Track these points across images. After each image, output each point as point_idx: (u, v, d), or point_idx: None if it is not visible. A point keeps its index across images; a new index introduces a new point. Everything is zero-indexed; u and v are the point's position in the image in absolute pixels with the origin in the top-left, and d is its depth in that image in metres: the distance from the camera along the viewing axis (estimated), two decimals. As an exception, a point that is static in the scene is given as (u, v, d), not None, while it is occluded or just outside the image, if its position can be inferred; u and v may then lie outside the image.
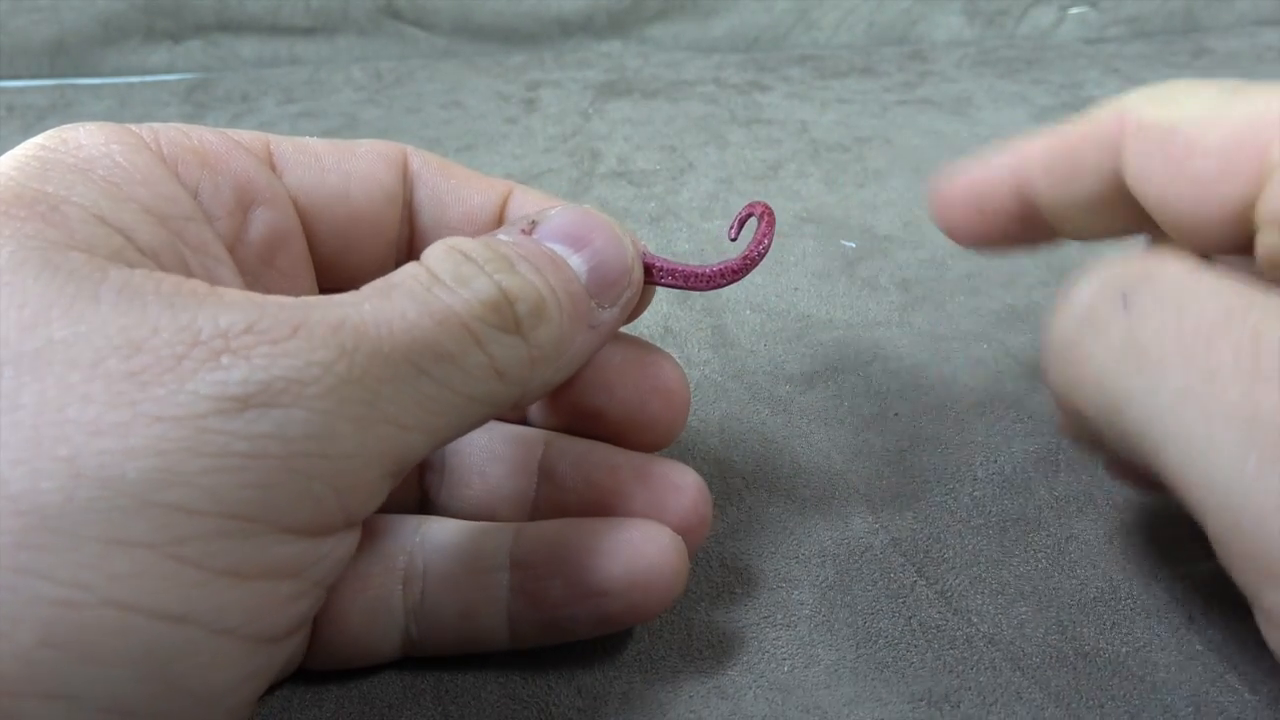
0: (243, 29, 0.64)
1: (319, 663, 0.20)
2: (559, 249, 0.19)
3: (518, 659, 0.21)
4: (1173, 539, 0.24)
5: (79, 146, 0.17)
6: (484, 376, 0.17)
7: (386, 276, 0.17)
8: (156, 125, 0.19)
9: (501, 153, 0.49)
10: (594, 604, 0.19)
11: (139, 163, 0.18)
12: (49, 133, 0.18)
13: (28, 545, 0.13)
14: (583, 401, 0.22)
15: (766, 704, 0.20)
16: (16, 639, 0.12)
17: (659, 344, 0.32)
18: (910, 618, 0.22)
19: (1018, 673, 0.21)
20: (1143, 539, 0.24)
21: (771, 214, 0.22)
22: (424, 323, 0.16)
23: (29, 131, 0.55)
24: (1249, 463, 0.15)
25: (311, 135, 0.22)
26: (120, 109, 0.57)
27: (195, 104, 0.57)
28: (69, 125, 0.18)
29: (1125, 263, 0.19)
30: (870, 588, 0.23)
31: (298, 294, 0.16)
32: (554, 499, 0.22)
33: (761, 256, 0.21)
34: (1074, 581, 0.23)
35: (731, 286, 0.22)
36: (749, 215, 0.22)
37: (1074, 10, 0.69)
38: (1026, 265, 0.37)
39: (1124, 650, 0.21)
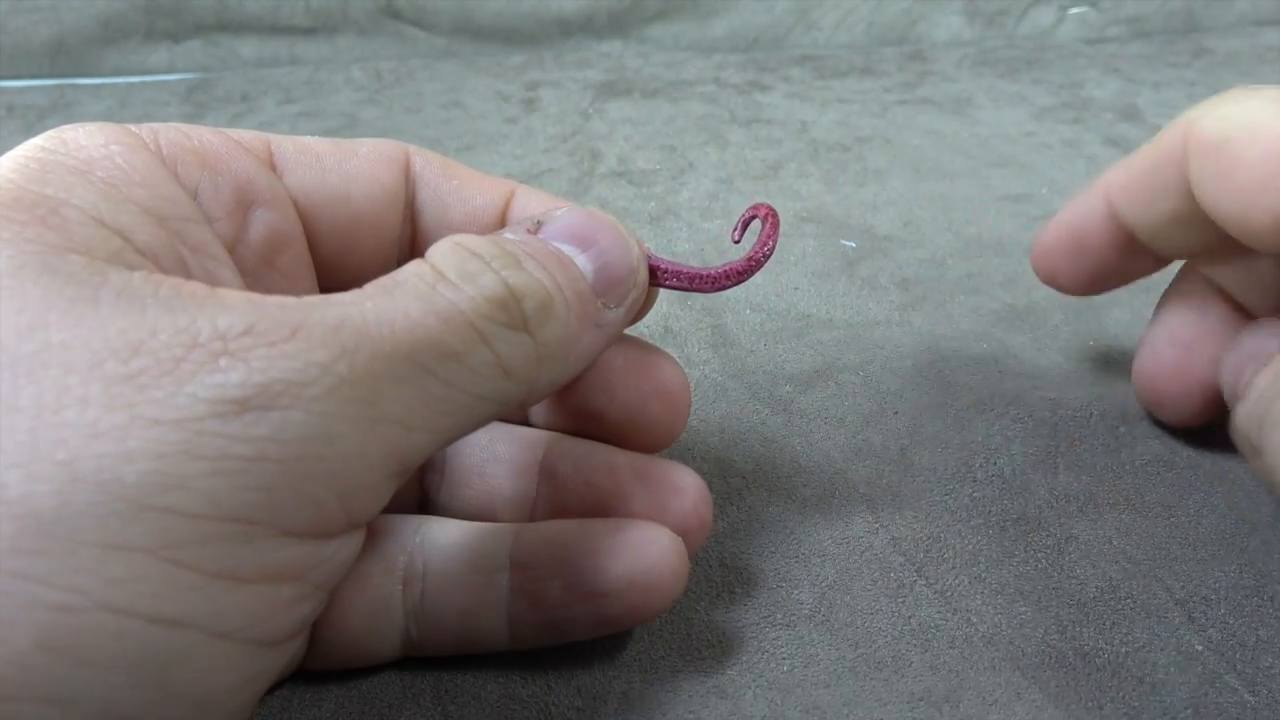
0: (242, 29, 0.64)
1: (319, 663, 0.20)
2: (565, 248, 0.19)
3: (517, 659, 0.21)
4: (1172, 539, 0.24)
5: (79, 148, 0.17)
6: (490, 375, 0.17)
7: (391, 274, 0.17)
8: (156, 125, 0.19)
9: (501, 153, 0.49)
10: (594, 605, 0.19)
11: (138, 164, 0.18)
12: (48, 134, 0.18)
13: (24, 549, 0.12)
14: (584, 403, 0.22)
15: (766, 703, 0.20)
16: (13, 643, 0.12)
17: (659, 344, 0.32)
18: (910, 617, 0.22)
19: (1017, 673, 0.21)
20: (1142, 539, 0.24)
21: (775, 216, 0.22)
22: (428, 321, 0.16)
23: (29, 131, 0.55)
24: None
25: (311, 135, 0.22)
26: (120, 109, 0.57)
27: (195, 104, 0.57)
28: (69, 126, 0.18)
29: None
30: (870, 587, 0.23)
31: (299, 294, 0.16)
32: (554, 499, 0.22)
33: (766, 258, 0.21)
34: (1073, 581, 0.23)
35: (736, 287, 0.22)
36: (753, 217, 0.22)
37: (1074, 10, 0.69)
38: (1026, 265, 0.37)
39: (1123, 650, 0.21)
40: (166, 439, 0.13)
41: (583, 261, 0.19)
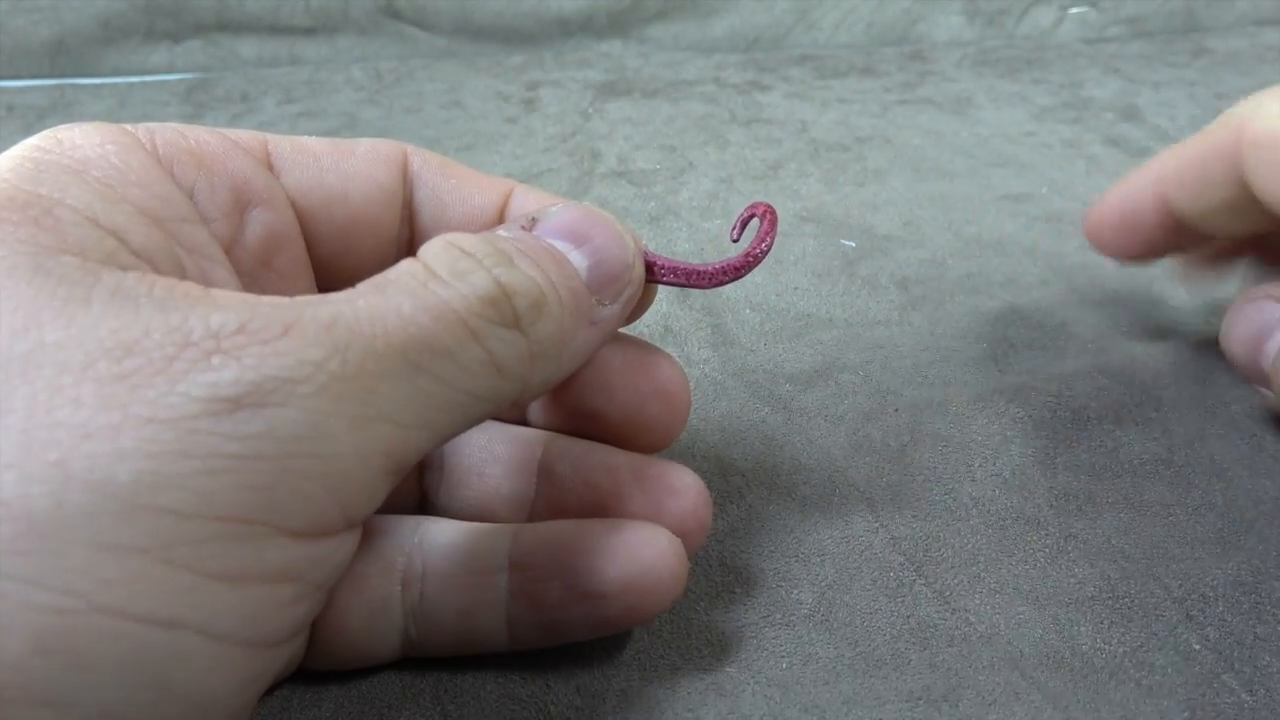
0: (242, 29, 0.64)
1: (317, 663, 0.20)
2: (560, 245, 0.19)
3: (516, 658, 0.21)
4: (1170, 538, 0.24)
5: (74, 147, 0.17)
6: (483, 372, 0.17)
7: (383, 273, 0.17)
8: (153, 125, 0.19)
9: (501, 152, 0.49)
10: (592, 606, 0.19)
11: (134, 163, 0.18)
12: (44, 133, 0.18)
13: (17, 551, 0.12)
14: (582, 403, 0.22)
15: (765, 702, 0.20)
16: (7, 646, 0.12)
17: (659, 343, 0.32)
18: (909, 616, 0.22)
19: (1015, 672, 0.21)
20: (1141, 538, 0.24)
21: (774, 214, 0.22)
22: (420, 318, 0.16)
23: (29, 131, 0.55)
24: None
25: (311, 135, 0.22)
26: (120, 109, 0.57)
27: (195, 104, 0.57)
28: (64, 126, 0.18)
29: None
30: (869, 586, 0.23)
31: (296, 295, 0.16)
32: (553, 500, 0.22)
33: (763, 255, 0.21)
34: (1072, 580, 0.23)
35: (731, 285, 0.22)
36: (751, 216, 0.22)
37: (1074, 10, 0.69)
38: (1026, 265, 0.37)
39: (1121, 650, 0.21)
40: (159, 438, 0.13)
41: (577, 258, 0.19)
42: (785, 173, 0.46)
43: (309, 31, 0.65)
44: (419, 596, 0.20)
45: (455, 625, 0.20)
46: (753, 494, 0.26)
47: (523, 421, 0.23)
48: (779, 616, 0.22)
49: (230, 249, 0.19)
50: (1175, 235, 0.27)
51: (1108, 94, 0.56)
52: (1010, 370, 0.31)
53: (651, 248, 0.21)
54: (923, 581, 0.23)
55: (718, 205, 0.42)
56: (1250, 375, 0.26)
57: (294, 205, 0.21)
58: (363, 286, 0.16)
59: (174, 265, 0.17)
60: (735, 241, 0.23)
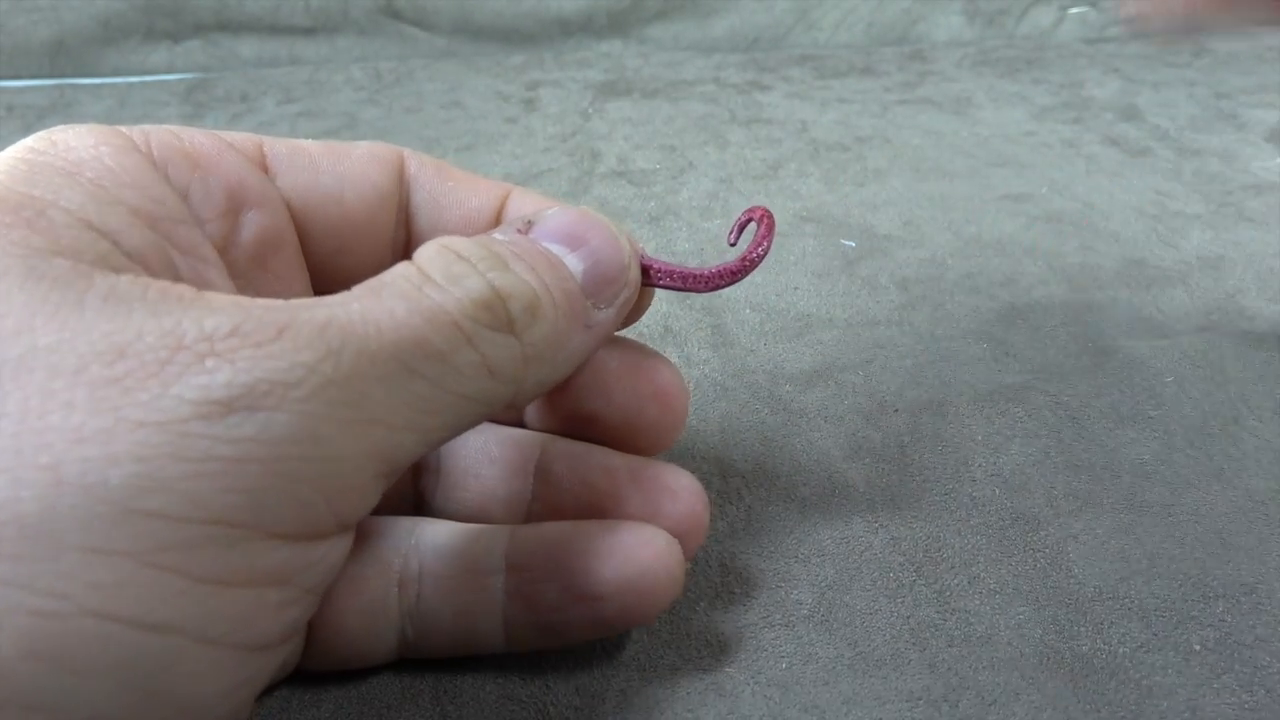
0: (242, 29, 0.64)
1: (314, 664, 0.20)
2: (555, 248, 0.19)
3: (516, 659, 0.21)
4: (1170, 538, 0.24)
5: (68, 149, 0.17)
6: (476, 375, 0.16)
7: (378, 276, 0.17)
8: (148, 127, 0.19)
9: (501, 152, 0.49)
10: (589, 608, 0.19)
11: (128, 165, 0.18)
12: (38, 135, 0.18)
13: (7, 555, 0.12)
14: (579, 405, 0.22)
15: (764, 702, 0.20)
16: None
17: (658, 343, 0.32)
18: (908, 617, 0.22)
19: (1015, 673, 0.21)
20: (1140, 538, 0.24)
21: (771, 218, 0.22)
22: (413, 321, 0.16)
23: (28, 131, 0.55)
24: None
25: (311, 135, 0.22)
26: (120, 109, 0.57)
27: (195, 104, 0.57)
28: (59, 128, 0.18)
29: None
30: (869, 587, 0.23)
31: (291, 297, 0.16)
32: (550, 502, 0.21)
33: (760, 259, 0.21)
34: (1071, 581, 0.23)
35: (731, 287, 0.22)
36: (748, 220, 0.22)
37: (1074, 10, 0.69)
38: (1026, 265, 0.37)
39: (1121, 650, 0.21)
40: (150, 441, 0.13)
41: (572, 261, 0.19)
42: (785, 173, 0.46)
43: (309, 31, 0.65)
44: (416, 598, 0.20)
45: (452, 626, 0.20)
46: (752, 494, 0.26)
47: (520, 424, 0.23)
48: (778, 617, 0.22)
49: (225, 250, 0.19)
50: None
51: (1108, 94, 0.56)
52: (1010, 370, 0.30)
53: (651, 249, 0.21)
54: (922, 582, 0.23)
55: (717, 205, 0.42)
56: None
57: (289, 207, 0.20)
58: (357, 290, 0.16)
59: (168, 267, 0.17)
60: (732, 245, 0.23)
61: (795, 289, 0.35)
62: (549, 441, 0.22)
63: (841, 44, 0.68)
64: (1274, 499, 0.25)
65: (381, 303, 0.16)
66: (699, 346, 0.32)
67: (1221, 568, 0.23)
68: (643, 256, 0.21)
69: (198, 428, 0.13)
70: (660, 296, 0.34)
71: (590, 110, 0.55)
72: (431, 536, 0.21)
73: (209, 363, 0.14)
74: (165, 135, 0.19)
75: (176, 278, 0.17)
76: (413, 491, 0.23)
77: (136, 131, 0.19)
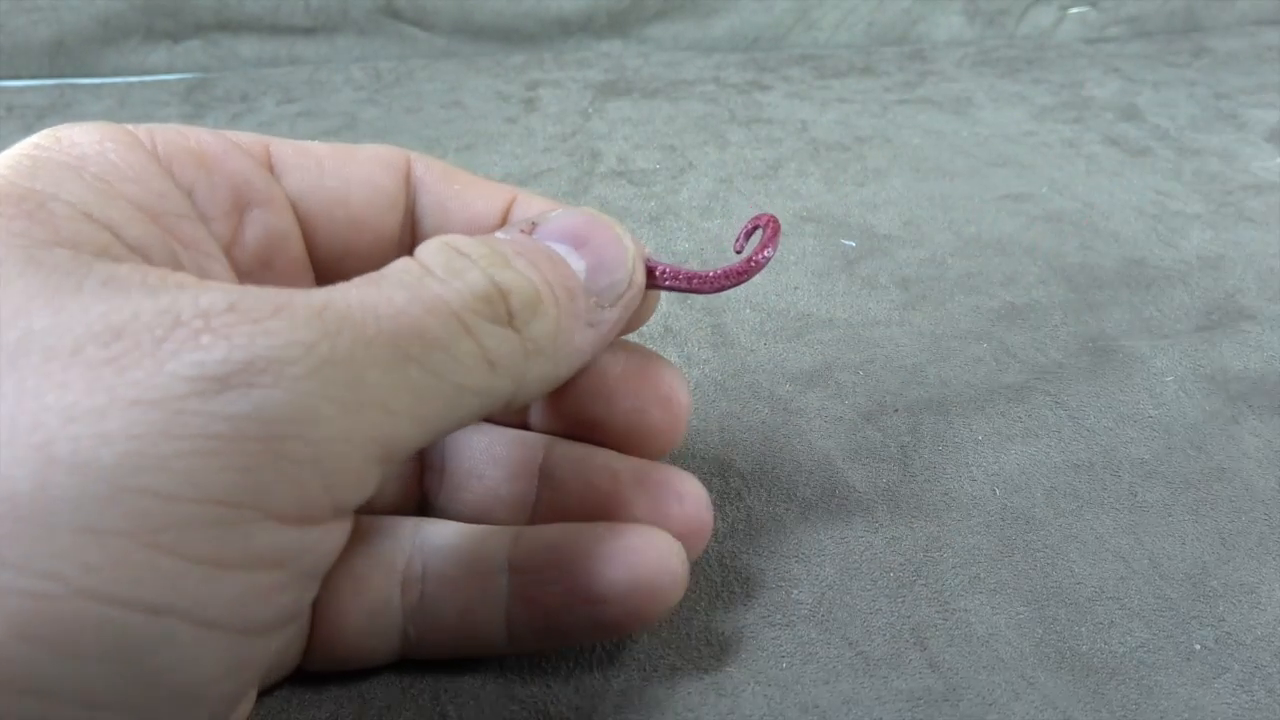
0: (242, 29, 0.64)
1: (316, 664, 0.20)
2: (559, 248, 0.19)
3: (516, 658, 0.21)
4: (1169, 538, 0.24)
5: (73, 144, 0.17)
6: (475, 366, 0.16)
7: (379, 270, 0.17)
8: (153, 126, 0.19)
9: (501, 152, 0.49)
10: (593, 609, 0.19)
11: (132, 160, 0.18)
12: (44, 132, 0.18)
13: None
14: (583, 409, 0.22)
15: (765, 701, 0.20)
16: None
17: (659, 343, 0.32)
18: (908, 616, 0.22)
19: (1015, 672, 0.21)
20: (1141, 538, 0.24)
21: (777, 224, 0.22)
22: (413, 309, 0.16)
23: (28, 131, 0.55)
24: None
25: (311, 135, 0.22)
26: (119, 109, 0.57)
27: (195, 104, 0.57)
28: (65, 125, 0.18)
29: None
30: (869, 586, 0.23)
31: None
32: (554, 503, 0.22)
33: (764, 263, 0.21)
34: (1071, 581, 0.23)
35: (734, 289, 0.22)
36: (755, 227, 0.22)
37: (1074, 10, 0.69)
38: (1026, 265, 0.37)
39: (1120, 650, 0.21)
40: (145, 419, 0.13)
41: (576, 260, 0.19)
42: (785, 172, 0.46)
43: (309, 31, 0.65)
44: (419, 598, 0.20)
45: (455, 627, 0.20)
46: (752, 494, 0.26)
47: (524, 426, 0.23)
48: (779, 617, 0.22)
49: (230, 249, 0.19)
50: None
51: (1108, 94, 0.56)
52: (1010, 370, 0.30)
53: (651, 249, 0.21)
54: (922, 582, 0.23)
55: (717, 205, 0.42)
56: None
57: (294, 207, 0.20)
58: (356, 280, 0.16)
59: (170, 259, 0.17)
60: (739, 252, 0.23)
61: (795, 289, 0.35)
62: (553, 443, 0.22)
63: (841, 44, 0.68)
64: (1275, 499, 0.25)
65: (381, 291, 0.16)
66: (699, 346, 0.32)
67: (1221, 567, 0.23)
68: (647, 258, 0.21)
69: (193, 404, 0.13)
70: (661, 297, 0.34)
71: (590, 110, 0.55)
72: (435, 536, 0.21)
73: (204, 339, 0.14)
74: (171, 133, 0.19)
75: (178, 270, 0.17)
76: (417, 492, 0.23)
77: (142, 129, 0.19)
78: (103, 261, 0.15)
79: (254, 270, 0.20)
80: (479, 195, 0.22)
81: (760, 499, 0.26)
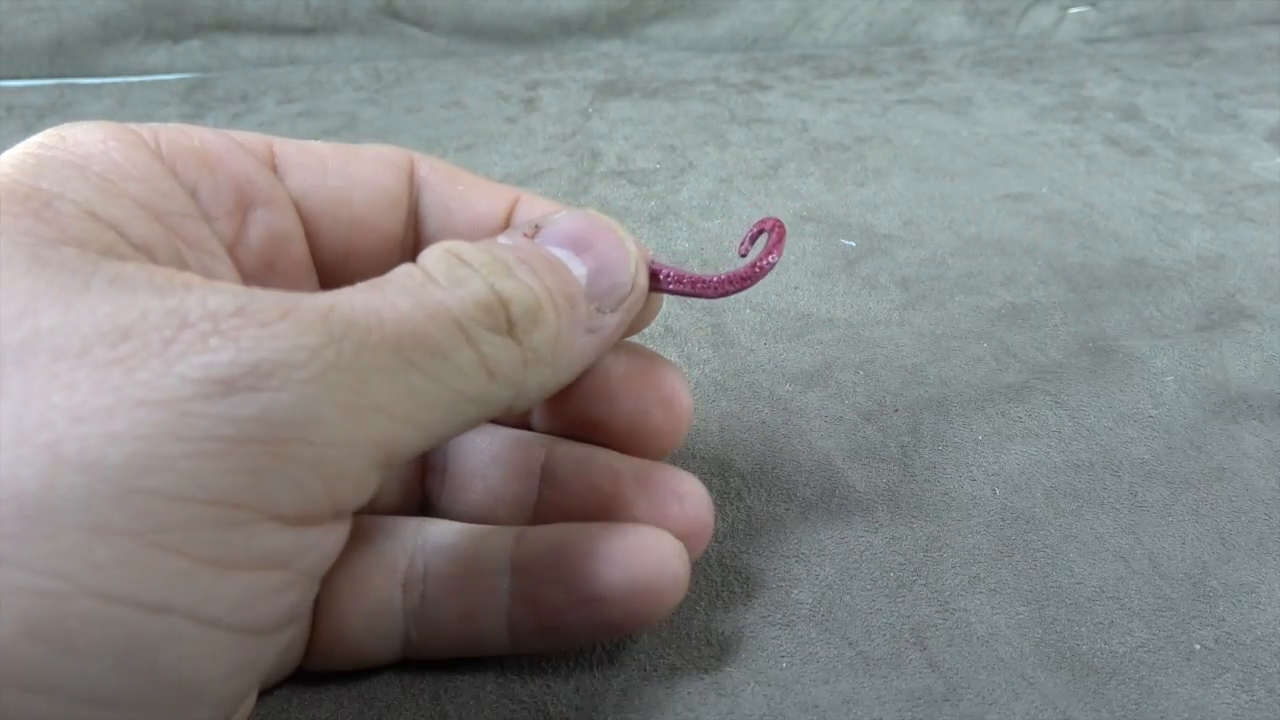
0: (242, 29, 0.64)
1: (318, 664, 0.20)
2: (561, 253, 0.19)
3: (516, 659, 0.21)
4: (1169, 537, 0.24)
5: (77, 144, 0.17)
6: (476, 374, 0.17)
7: (383, 275, 0.17)
8: (157, 125, 0.19)
9: (501, 152, 0.49)
10: (594, 610, 0.19)
11: (136, 160, 0.18)
12: (49, 131, 0.18)
13: (5, 534, 0.12)
14: (584, 410, 0.22)
15: (765, 701, 0.20)
16: None
17: (660, 343, 0.32)
18: (908, 616, 0.22)
19: (1014, 672, 0.21)
20: (1141, 538, 0.24)
21: (782, 228, 0.22)
22: (416, 315, 0.16)
23: (28, 131, 0.55)
24: None
25: (311, 135, 0.22)
26: (120, 109, 0.57)
27: (195, 104, 0.57)
28: (69, 124, 0.18)
29: None
30: (869, 586, 0.23)
31: None
32: (555, 503, 0.22)
33: (769, 268, 0.21)
34: (1071, 581, 0.23)
35: (738, 293, 0.22)
36: (760, 231, 0.22)
37: (1074, 10, 0.69)
38: (1026, 265, 0.37)
39: (1120, 650, 0.21)
40: (152, 420, 0.13)
41: (577, 266, 0.19)
42: (785, 172, 0.46)
43: (309, 31, 0.65)
44: (420, 598, 0.20)
45: (456, 627, 0.20)
46: (752, 494, 0.26)
47: (526, 426, 0.23)
48: (779, 616, 0.22)
49: (233, 249, 0.19)
50: None
51: (1108, 94, 0.56)
52: (1010, 370, 0.30)
53: (652, 250, 0.21)
54: (922, 582, 0.23)
55: (718, 205, 0.42)
56: None
57: (297, 207, 0.21)
58: (360, 285, 0.17)
59: (175, 259, 0.17)
60: (743, 256, 0.22)
61: (795, 288, 0.35)
62: (554, 444, 0.22)
63: (842, 44, 0.68)
64: (1275, 499, 0.25)
65: (385, 297, 0.16)
66: (699, 346, 0.32)
67: (1221, 567, 0.23)
68: (651, 262, 0.21)
69: (199, 406, 0.13)
70: (663, 297, 0.34)
71: (590, 110, 0.55)
72: (437, 537, 0.21)
73: (213, 341, 0.14)
74: (175, 133, 0.19)
75: (183, 269, 0.17)
76: (419, 492, 0.23)
77: (146, 129, 0.19)
78: (109, 260, 0.15)
79: (258, 270, 0.20)
80: (482, 196, 0.22)
81: (760, 499, 0.26)
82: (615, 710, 0.20)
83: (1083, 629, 0.22)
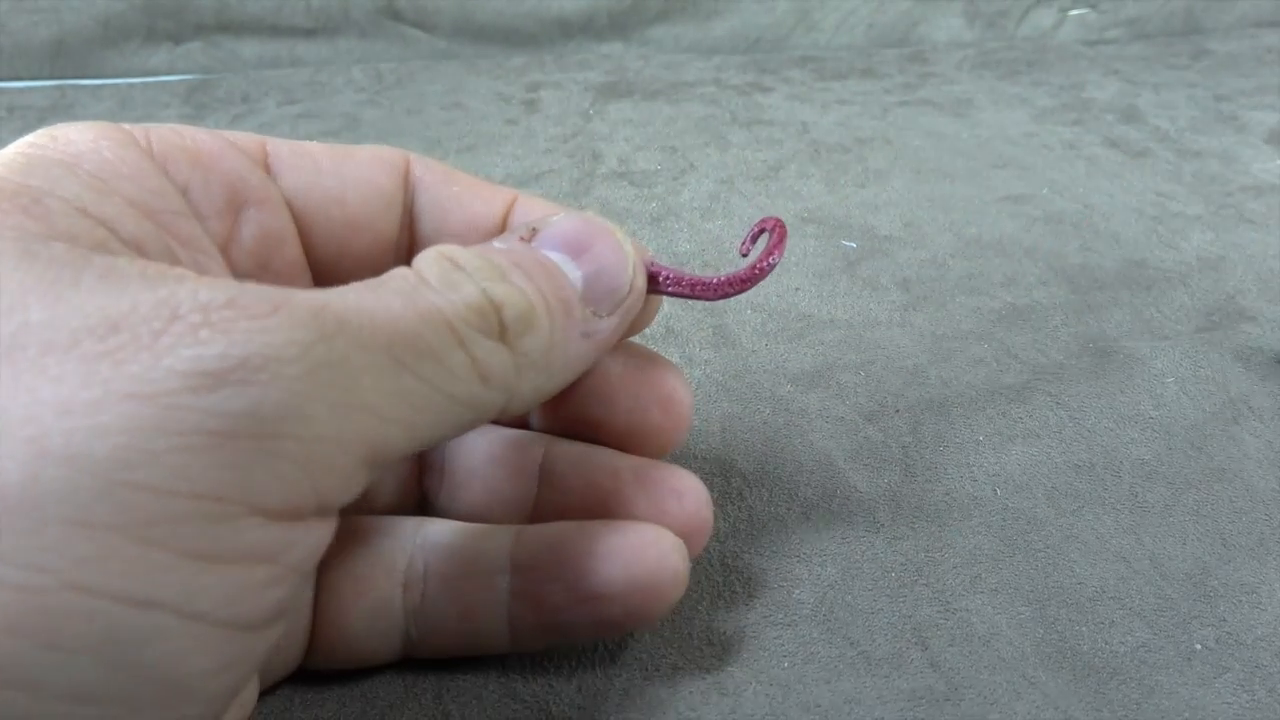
0: (243, 30, 0.64)
1: (318, 663, 0.20)
2: (557, 256, 0.19)
3: (518, 657, 0.21)
4: (1170, 538, 0.24)
5: (68, 143, 0.17)
6: (466, 378, 0.17)
7: (377, 277, 0.17)
8: (149, 125, 0.19)
9: (502, 153, 0.49)
10: (594, 608, 0.19)
11: (127, 158, 0.18)
12: (40, 131, 0.18)
13: None
14: (583, 410, 0.22)
15: (766, 701, 0.20)
16: None
17: (660, 344, 0.32)
18: (909, 616, 0.22)
19: (1016, 672, 0.21)
20: (1142, 538, 0.24)
21: (784, 229, 0.21)
22: (408, 316, 0.16)
23: (29, 132, 0.55)
24: None
25: (312, 136, 0.22)
26: (120, 110, 0.57)
27: (196, 105, 0.57)
28: (61, 124, 0.18)
29: None
30: (870, 586, 0.23)
31: None
32: (554, 502, 0.22)
33: (770, 269, 0.21)
34: (1072, 581, 0.23)
35: (739, 295, 0.22)
36: (761, 231, 0.22)
37: (1074, 12, 0.69)
38: (1026, 265, 0.37)
39: (1121, 650, 0.21)
40: (139, 413, 0.13)
41: (573, 269, 0.19)
42: (786, 174, 0.46)
43: (310, 33, 0.65)
44: (420, 598, 0.20)
45: (457, 626, 0.20)
46: (754, 494, 0.26)
47: (524, 425, 0.23)
48: (780, 616, 0.22)
49: (226, 249, 0.19)
50: None
51: (1108, 95, 0.56)
52: (1011, 370, 0.31)
53: (653, 251, 0.21)
54: (923, 582, 0.23)
55: (719, 206, 0.43)
56: None
57: (291, 207, 0.20)
58: (354, 285, 0.16)
59: (167, 256, 0.17)
60: (744, 255, 0.22)
61: (796, 289, 0.36)
62: (553, 442, 0.22)
63: (842, 45, 0.68)
64: (1275, 499, 0.25)
65: (378, 297, 0.16)
66: (700, 347, 0.32)
67: (1222, 567, 0.23)
68: (651, 263, 0.21)
69: (187, 400, 0.13)
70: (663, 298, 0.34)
71: (591, 111, 0.55)
72: (437, 536, 0.21)
73: (203, 333, 0.14)
74: (166, 132, 0.19)
75: (175, 264, 0.17)
76: (417, 491, 0.23)
77: (138, 128, 0.19)
78: (101, 255, 0.15)
79: (251, 270, 0.20)
80: (478, 197, 0.22)
81: (762, 499, 0.26)
82: (617, 709, 0.20)
83: (1084, 629, 0.22)
